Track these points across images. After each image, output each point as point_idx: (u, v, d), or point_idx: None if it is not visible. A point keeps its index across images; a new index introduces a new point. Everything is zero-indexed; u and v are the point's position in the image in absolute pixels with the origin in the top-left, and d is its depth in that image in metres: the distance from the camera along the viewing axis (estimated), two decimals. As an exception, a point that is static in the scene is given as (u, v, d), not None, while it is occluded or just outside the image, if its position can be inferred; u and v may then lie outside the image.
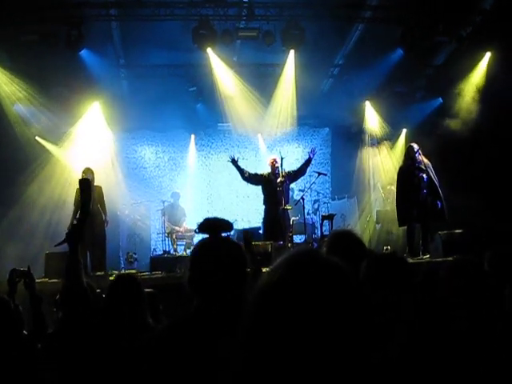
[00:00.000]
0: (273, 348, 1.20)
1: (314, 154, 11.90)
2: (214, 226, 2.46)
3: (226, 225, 2.50)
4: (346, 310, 1.22)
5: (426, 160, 10.85)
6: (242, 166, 11.94)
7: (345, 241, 3.38)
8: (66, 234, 3.36)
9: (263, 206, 12.02)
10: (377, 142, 16.19)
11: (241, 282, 2.38)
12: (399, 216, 10.93)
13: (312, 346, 1.18)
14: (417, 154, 10.70)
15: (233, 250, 2.44)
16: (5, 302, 4.09)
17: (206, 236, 2.47)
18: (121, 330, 3.57)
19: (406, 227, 11.02)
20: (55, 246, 3.73)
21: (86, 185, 3.61)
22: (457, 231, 10.48)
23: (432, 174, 10.71)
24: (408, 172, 10.74)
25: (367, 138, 16.26)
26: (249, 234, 4.59)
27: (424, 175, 10.58)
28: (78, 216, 3.52)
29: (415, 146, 10.84)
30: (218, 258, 2.37)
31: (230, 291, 2.32)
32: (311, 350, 1.17)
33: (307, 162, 11.90)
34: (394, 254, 3.07)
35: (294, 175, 11.93)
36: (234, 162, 11.74)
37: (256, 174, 12.02)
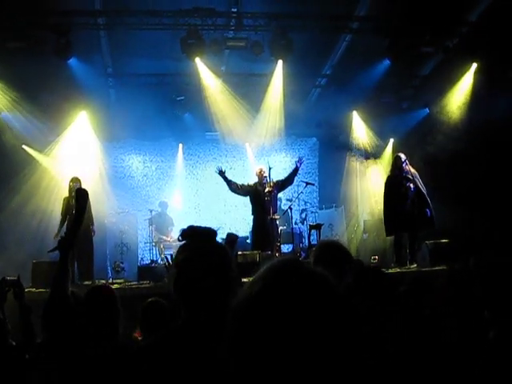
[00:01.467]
0: (257, 358, 1.20)
1: (301, 164, 11.91)
2: (197, 234, 2.42)
3: (210, 232, 2.45)
4: (329, 319, 1.21)
5: (413, 170, 10.91)
6: (230, 177, 11.94)
7: (332, 251, 3.40)
8: (59, 241, 3.35)
9: (251, 216, 12.03)
10: (364, 156, 16.22)
11: (227, 287, 2.33)
12: (386, 226, 10.97)
13: (296, 356, 1.17)
14: (404, 164, 10.76)
15: (218, 254, 2.39)
16: None
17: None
18: (92, 339, 3.56)
19: (393, 237, 11.05)
20: (48, 252, 3.71)
21: (83, 195, 3.60)
22: (443, 241, 10.54)
23: (420, 183, 10.77)
24: (395, 182, 10.79)
25: (354, 150, 16.30)
26: (233, 236, 4.55)
27: (411, 185, 10.63)
28: (70, 224, 3.52)
29: (402, 156, 10.90)
30: (203, 262, 2.32)
31: (217, 298, 2.28)
32: (295, 360, 1.17)
33: (294, 171, 11.91)
34: (372, 267, 3.10)
35: (282, 185, 11.94)
36: (222, 173, 11.75)
37: (243, 185, 12.03)
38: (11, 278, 4.34)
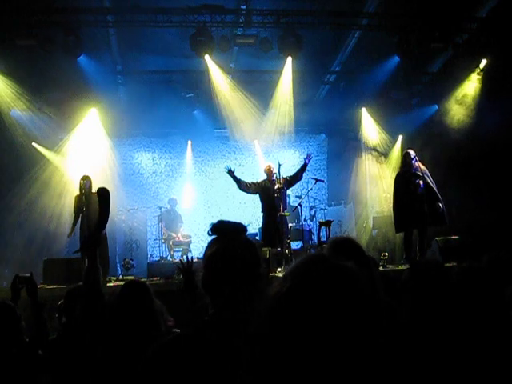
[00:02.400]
0: (289, 355, 1.20)
1: (309, 160, 11.88)
2: (226, 229, 2.38)
3: (239, 228, 2.41)
4: (359, 313, 1.22)
5: (422, 166, 10.86)
6: (238, 176, 11.92)
7: (345, 247, 3.38)
8: (82, 241, 3.37)
9: (261, 213, 12.03)
10: (374, 154, 16.20)
11: (255, 283, 2.32)
12: (396, 222, 10.95)
13: (330, 350, 1.18)
14: (413, 161, 10.71)
15: (247, 250, 2.36)
16: (11, 308, 4.10)
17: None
18: (129, 337, 3.57)
19: (402, 233, 11.03)
20: (73, 252, 3.73)
21: (106, 194, 3.59)
22: (453, 237, 10.52)
23: (429, 179, 10.72)
24: (405, 178, 10.75)
25: (363, 146, 16.28)
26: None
27: (421, 181, 10.59)
28: (96, 222, 3.50)
29: (412, 153, 10.85)
30: (231, 258, 2.30)
31: (244, 293, 2.27)
32: (328, 355, 1.18)
33: (303, 168, 11.87)
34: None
35: (290, 181, 11.92)
36: (231, 172, 11.73)
37: (252, 183, 12.02)
38: (24, 275, 4.36)
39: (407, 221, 10.64)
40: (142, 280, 9.99)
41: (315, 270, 1.30)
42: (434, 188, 10.68)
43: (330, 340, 1.19)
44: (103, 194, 3.54)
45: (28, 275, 4.32)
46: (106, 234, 11.09)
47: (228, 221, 2.43)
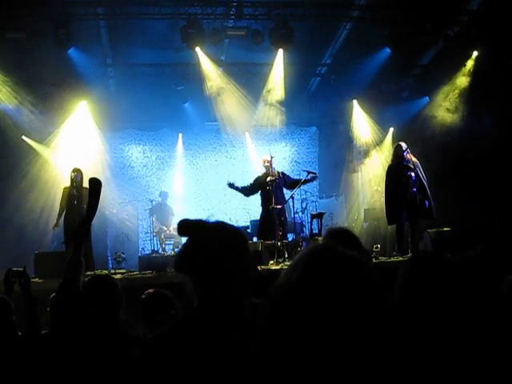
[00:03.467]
0: (299, 343, 1.19)
1: (312, 180, 11.85)
2: (190, 228, 2.32)
3: (200, 225, 2.34)
4: (370, 301, 1.22)
5: (414, 159, 10.86)
6: (237, 185, 11.86)
7: (342, 238, 3.37)
8: (73, 232, 3.35)
9: (254, 206, 12.04)
10: (363, 152, 16.20)
11: (242, 273, 2.28)
12: (388, 215, 10.96)
13: (339, 340, 1.17)
14: (405, 153, 10.72)
15: (233, 239, 2.31)
16: (5, 302, 4.08)
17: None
18: (94, 330, 3.55)
19: (394, 226, 11.06)
20: (62, 243, 3.71)
21: (97, 185, 3.55)
22: (446, 229, 10.55)
23: (420, 172, 10.74)
24: (396, 171, 10.76)
25: (355, 144, 16.27)
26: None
27: (412, 174, 10.60)
28: (85, 214, 3.46)
29: (403, 145, 10.85)
30: (216, 247, 2.24)
31: (230, 284, 2.23)
32: (337, 344, 1.17)
33: (302, 183, 11.75)
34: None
35: (285, 183, 11.85)
36: (232, 186, 11.69)
37: (252, 184, 11.95)
38: (17, 268, 4.33)
39: (399, 213, 10.66)
40: (135, 273, 10.03)
41: (324, 259, 1.29)
42: (425, 182, 10.70)
43: (342, 328, 1.18)
44: (95, 185, 3.51)
45: (21, 269, 4.29)
46: (92, 227, 11.07)
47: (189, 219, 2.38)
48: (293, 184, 11.87)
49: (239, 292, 2.23)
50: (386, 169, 11.27)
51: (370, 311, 1.22)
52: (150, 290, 4.45)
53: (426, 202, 10.57)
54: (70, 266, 3.23)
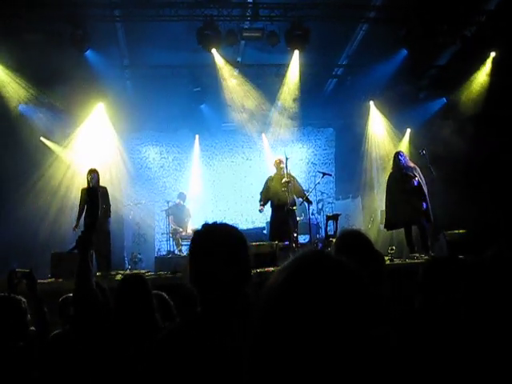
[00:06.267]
0: (281, 350, 1.20)
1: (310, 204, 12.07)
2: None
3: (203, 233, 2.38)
4: (353, 309, 1.22)
5: (412, 164, 11.03)
6: (261, 201, 12.13)
7: (354, 241, 3.38)
8: (77, 240, 3.35)
9: (270, 207, 12.05)
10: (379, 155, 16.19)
11: (243, 277, 2.30)
12: (386, 220, 11.21)
13: (321, 346, 1.18)
14: (404, 161, 10.90)
15: (234, 243, 2.33)
16: (17, 302, 4.12)
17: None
18: (130, 331, 3.57)
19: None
20: (67, 251, 3.72)
21: (96, 195, 3.60)
22: (461, 231, 10.51)
23: (420, 177, 10.85)
24: (396, 178, 10.90)
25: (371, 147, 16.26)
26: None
27: (413, 180, 10.71)
28: (87, 222, 3.49)
29: (401, 153, 11.11)
30: (216, 250, 2.27)
31: (232, 288, 2.25)
32: (320, 350, 1.18)
33: (305, 201, 11.88)
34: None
35: (293, 189, 11.89)
36: (262, 209, 12.04)
37: (265, 190, 12.06)
38: (23, 270, 4.37)
39: (397, 220, 10.85)
40: (150, 274, 10.07)
41: (309, 263, 1.29)
42: (424, 187, 10.81)
43: (322, 332, 1.19)
44: (92, 196, 3.54)
45: (27, 270, 4.33)
46: (109, 230, 11.16)
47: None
48: (299, 191, 11.93)
49: (239, 294, 2.24)
50: (388, 176, 11.40)
51: (357, 316, 1.22)
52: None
53: (424, 205, 10.67)
54: (80, 275, 3.24)
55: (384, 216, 14.65)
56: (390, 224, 11.29)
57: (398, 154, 11.13)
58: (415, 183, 10.70)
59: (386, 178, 11.65)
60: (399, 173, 10.89)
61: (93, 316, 3.22)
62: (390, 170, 11.43)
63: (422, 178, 10.91)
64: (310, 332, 1.18)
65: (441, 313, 2.72)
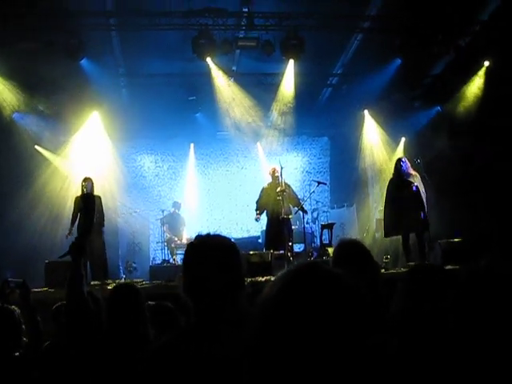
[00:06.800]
0: (277, 361, 1.20)
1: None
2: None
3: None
4: (347, 320, 1.22)
5: (414, 172, 10.98)
6: (257, 210, 12.14)
7: (352, 250, 3.40)
8: (70, 246, 3.34)
9: (265, 216, 12.06)
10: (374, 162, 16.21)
11: (237, 286, 2.31)
12: (385, 228, 11.12)
13: (318, 356, 1.18)
14: (405, 168, 10.84)
15: (226, 251, 2.34)
16: (10, 312, 4.11)
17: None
18: (120, 341, 3.54)
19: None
20: (59, 257, 3.69)
21: (90, 202, 3.60)
22: (456, 240, 10.53)
23: (420, 185, 10.84)
24: (397, 185, 10.86)
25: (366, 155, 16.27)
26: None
27: (413, 187, 10.69)
28: (80, 230, 3.51)
29: (404, 160, 11.01)
30: (209, 260, 2.28)
31: (226, 298, 2.26)
32: (316, 360, 1.18)
33: (300, 210, 11.95)
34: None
35: (288, 197, 11.92)
36: (259, 218, 12.03)
37: (260, 199, 12.10)
38: (16, 280, 4.36)
39: (395, 227, 10.80)
40: (145, 283, 10.05)
41: (303, 274, 1.30)
42: (423, 195, 10.79)
43: (316, 342, 1.19)
44: (87, 203, 3.54)
45: (21, 280, 4.32)
46: (104, 240, 11.15)
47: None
48: (294, 200, 11.95)
49: (232, 303, 2.25)
50: (388, 183, 11.34)
51: (353, 326, 1.22)
52: (151, 303, 4.39)
53: (422, 214, 10.66)
54: (72, 282, 3.24)
55: (379, 224, 14.73)
56: (388, 231, 11.15)
57: (400, 160, 11.02)
58: (414, 189, 10.66)
59: (383, 186, 11.64)
60: (399, 179, 10.83)
61: (83, 324, 3.21)
62: (391, 177, 11.37)
63: (422, 187, 10.88)
64: (305, 342, 1.19)
65: (426, 320, 2.72)
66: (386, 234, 11.25)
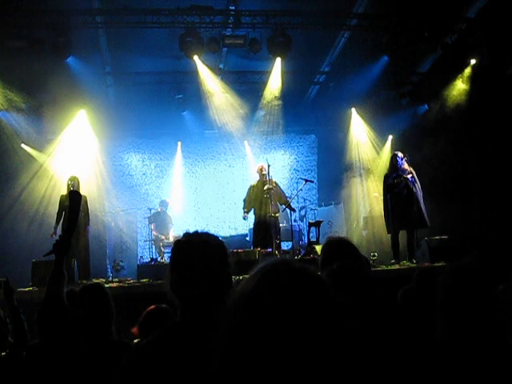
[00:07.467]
0: (249, 357, 1.22)
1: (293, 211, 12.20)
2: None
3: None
4: (319, 317, 1.24)
5: (410, 168, 10.94)
6: (244, 208, 12.15)
7: (340, 248, 3.41)
8: (54, 244, 3.33)
9: (252, 214, 12.07)
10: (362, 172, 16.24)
11: (224, 285, 2.31)
12: (387, 224, 11.01)
13: (288, 353, 1.20)
14: (401, 163, 10.79)
15: (214, 248, 2.34)
16: None
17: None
18: (84, 341, 3.53)
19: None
20: (43, 256, 3.68)
21: (76, 198, 3.57)
22: (443, 237, 10.56)
23: (416, 181, 10.81)
24: (393, 180, 10.81)
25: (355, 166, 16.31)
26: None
27: (409, 183, 10.66)
28: (65, 228, 3.47)
29: (399, 155, 10.94)
30: (196, 258, 2.28)
31: (213, 297, 2.26)
32: (286, 356, 1.19)
33: (289, 209, 11.97)
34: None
35: (278, 195, 11.94)
36: (246, 216, 12.05)
37: (248, 197, 12.12)
38: (0, 279, 4.36)
39: (397, 222, 10.71)
40: (132, 281, 10.01)
41: (279, 270, 1.32)
42: (419, 191, 10.76)
43: (289, 339, 1.21)
44: (74, 198, 3.51)
45: (4, 279, 4.31)
46: (88, 240, 11.12)
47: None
48: (281, 198, 11.98)
49: (218, 302, 2.24)
50: (383, 178, 11.29)
51: (322, 324, 1.24)
52: (152, 307, 4.35)
53: (419, 210, 10.64)
54: (53, 279, 3.22)
55: (366, 222, 14.77)
56: (390, 227, 11.01)
57: (395, 155, 10.99)
58: (410, 185, 10.65)
59: (371, 183, 11.64)
60: (396, 174, 10.80)
61: (56, 322, 3.20)
62: (386, 172, 11.34)
63: (418, 183, 10.86)
64: (278, 335, 1.21)
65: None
66: (389, 231, 11.14)
